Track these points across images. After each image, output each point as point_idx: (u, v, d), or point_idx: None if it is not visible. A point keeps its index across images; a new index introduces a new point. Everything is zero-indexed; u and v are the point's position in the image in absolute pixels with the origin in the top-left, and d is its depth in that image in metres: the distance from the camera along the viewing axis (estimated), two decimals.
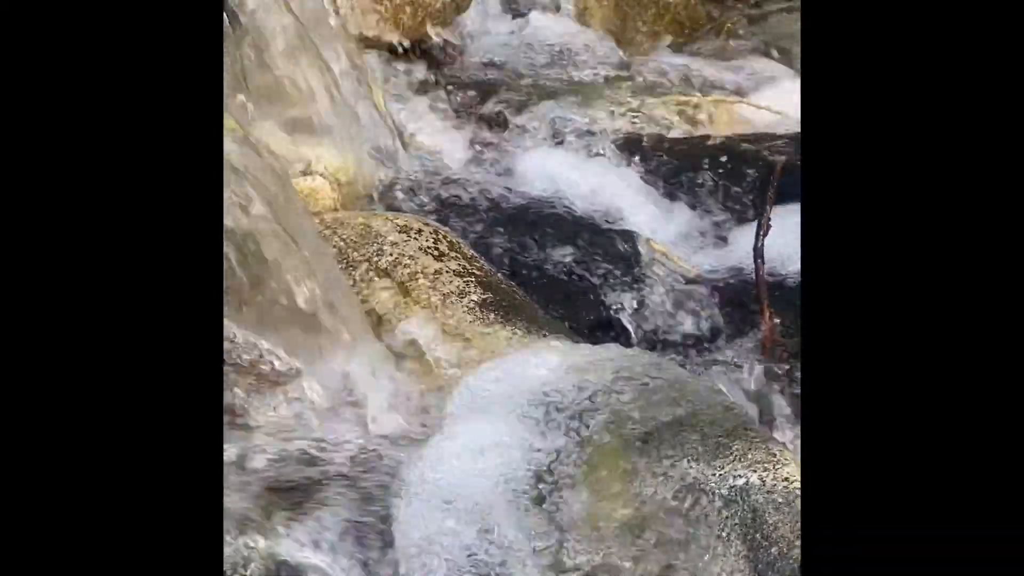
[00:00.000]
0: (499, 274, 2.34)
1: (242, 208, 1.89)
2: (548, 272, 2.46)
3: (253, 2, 2.43)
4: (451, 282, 2.22)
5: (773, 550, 1.67)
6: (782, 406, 2.21)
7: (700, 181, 2.80)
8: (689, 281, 2.49)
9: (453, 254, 2.29)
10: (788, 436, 2.12)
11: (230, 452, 1.78)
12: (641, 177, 2.79)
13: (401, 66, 3.04)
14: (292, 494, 1.77)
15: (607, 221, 2.62)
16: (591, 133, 2.94)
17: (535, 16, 3.37)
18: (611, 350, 2.09)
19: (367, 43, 2.96)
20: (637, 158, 2.85)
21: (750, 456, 1.75)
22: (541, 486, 1.75)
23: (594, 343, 2.15)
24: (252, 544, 1.66)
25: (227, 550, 1.62)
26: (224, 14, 2.28)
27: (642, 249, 2.51)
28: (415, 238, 2.30)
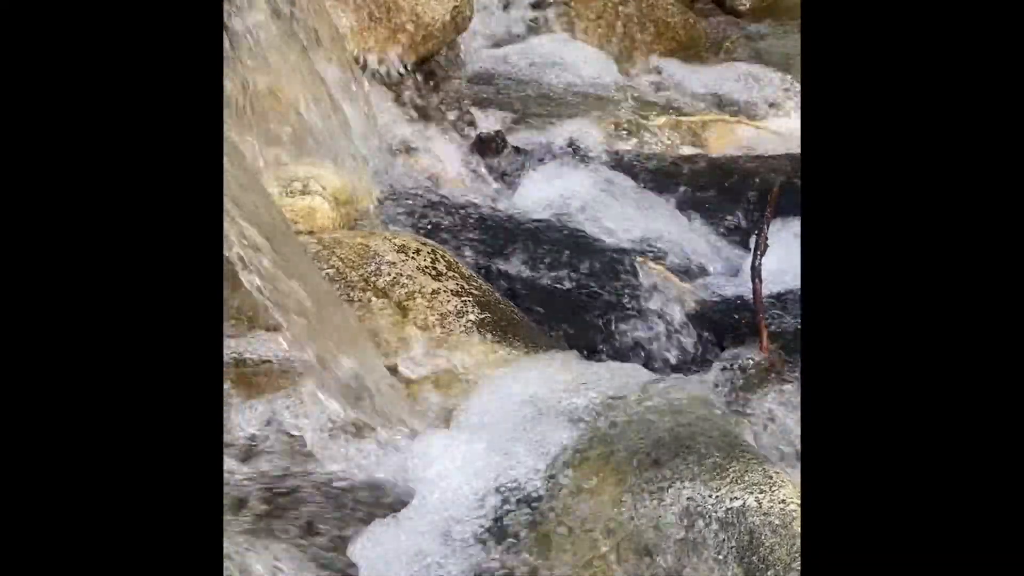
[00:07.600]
0: (497, 293, 2.34)
1: None
2: (545, 291, 2.46)
3: (253, 21, 2.43)
4: (449, 302, 2.22)
5: (769, 573, 1.67)
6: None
7: (699, 199, 2.81)
8: (687, 300, 2.49)
9: (451, 273, 2.29)
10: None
11: None
12: (639, 196, 2.79)
13: (400, 85, 3.04)
14: None
15: (605, 240, 2.62)
16: (589, 152, 2.95)
17: (534, 36, 3.38)
18: (610, 368, 2.10)
19: (366, 62, 2.97)
20: (635, 177, 2.85)
21: (747, 478, 1.75)
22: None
23: (593, 362, 2.16)
24: None
25: None
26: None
27: (640, 269, 2.51)
28: (413, 257, 2.29)
